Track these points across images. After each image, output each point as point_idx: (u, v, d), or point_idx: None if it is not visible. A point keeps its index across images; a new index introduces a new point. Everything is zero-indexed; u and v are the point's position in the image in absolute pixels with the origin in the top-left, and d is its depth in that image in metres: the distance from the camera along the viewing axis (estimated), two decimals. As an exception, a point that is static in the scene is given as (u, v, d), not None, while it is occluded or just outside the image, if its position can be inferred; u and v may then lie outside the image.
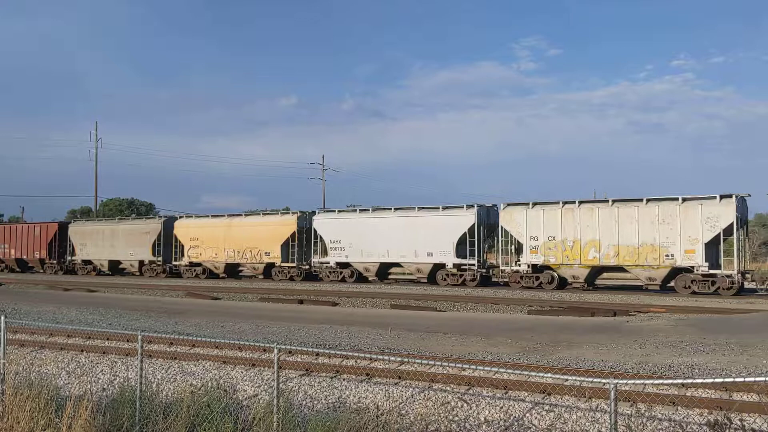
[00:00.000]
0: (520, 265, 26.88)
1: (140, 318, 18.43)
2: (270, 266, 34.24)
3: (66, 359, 11.71)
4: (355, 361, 10.31)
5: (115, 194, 76.65)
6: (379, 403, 7.97)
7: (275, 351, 6.64)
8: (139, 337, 7.51)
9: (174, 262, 37.81)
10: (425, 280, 29.61)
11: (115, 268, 40.86)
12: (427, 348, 12.53)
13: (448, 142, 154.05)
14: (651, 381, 8.01)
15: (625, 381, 7.14)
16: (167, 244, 38.03)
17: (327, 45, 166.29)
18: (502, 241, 27.73)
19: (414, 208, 30.14)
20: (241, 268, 37.63)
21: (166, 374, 10.32)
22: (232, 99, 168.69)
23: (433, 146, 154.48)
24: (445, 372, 9.37)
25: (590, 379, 5.62)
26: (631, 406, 7.76)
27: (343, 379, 9.65)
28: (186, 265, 36.90)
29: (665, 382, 6.40)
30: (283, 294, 26.27)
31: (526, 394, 8.48)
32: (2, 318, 8.41)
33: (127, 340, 12.51)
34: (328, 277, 31.74)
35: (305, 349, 8.32)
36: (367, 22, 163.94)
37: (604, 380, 5.27)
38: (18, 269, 45.54)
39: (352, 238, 31.02)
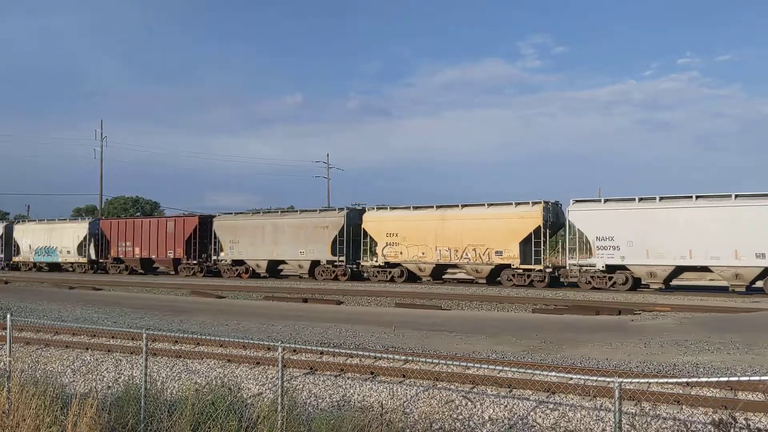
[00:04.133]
0: None
1: (145, 316, 18.48)
2: (500, 268, 27.85)
3: (71, 357, 11.75)
4: (360, 360, 10.32)
5: (120, 192, 76.83)
6: (384, 402, 7.98)
7: (279, 349, 6.65)
8: (144, 335, 7.53)
9: (363, 262, 31.48)
10: (742, 289, 23.15)
11: (274, 269, 34.99)
12: (432, 346, 12.54)
13: (454, 140, 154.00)
14: (655, 380, 7.99)
15: (629, 380, 7.14)
16: (352, 240, 31.76)
17: (332, 43, 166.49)
18: None
19: (730, 196, 23.41)
20: (449, 270, 31.60)
21: (171, 372, 10.35)
22: (237, 97, 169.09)
23: (439, 144, 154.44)
24: (449, 370, 9.36)
25: (595, 378, 5.60)
26: (635, 405, 7.74)
27: (348, 378, 9.65)
28: (378, 267, 30.54)
29: (670, 381, 6.36)
30: (288, 293, 26.31)
31: (531, 392, 8.47)
32: (8, 316, 8.45)
33: (132, 339, 12.55)
34: (590, 283, 25.34)
35: (309, 347, 8.35)
36: (373, 20, 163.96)
37: (608, 379, 5.26)
38: (141, 271, 39.59)
39: (632, 234, 24.48)
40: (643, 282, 25.25)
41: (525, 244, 27.08)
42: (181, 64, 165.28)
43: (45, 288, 31.27)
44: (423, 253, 29.40)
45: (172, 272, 38.01)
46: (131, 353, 11.66)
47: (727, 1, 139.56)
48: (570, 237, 26.45)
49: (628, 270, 24.89)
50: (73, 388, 9.14)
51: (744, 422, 6.46)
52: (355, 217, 31.94)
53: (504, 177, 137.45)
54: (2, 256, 45.78)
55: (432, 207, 30.04)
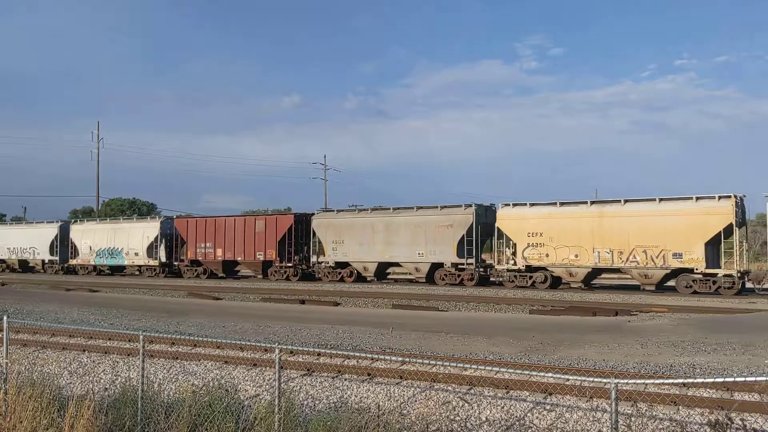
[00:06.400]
0: None
1: (142, 318, 18.46)
2: (676, 273, 24.05)
3: (68, 359, 11.74)
4: (357, 361, 10.33)
5: (117, 194, 76.70)
6: (381, 403, 7.99)
7: (277, 351, 6.66)
8: (141, 336, 7.53)
9: (498, 266, 27.67)
10: None
11: (382, 272, 31.35)
12: (429, 348, 12.54)
13: (452, 142, 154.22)
14: (652, 381, 8.01)
15: (626, 381, 7.15)
16: (480, 241, 28.42)
17: (330, 43, 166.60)
18: None
19: None
20: (603, 275, 27.75)
21: (168, 374, 10.34)
22: (235, 98, 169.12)
23: (436, 145, 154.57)
24: (446, 372, 9.37)
25: (591, 379, 5.62)
26: (632, 406, 7.76)
27: (345, 379, 9.66)
28: (514, 270, 26.95)
29: (666, 381, 6.40)
30: (285, 294, 26.29)
31: (528, 393, 8.49)
32: (5, 318, 8.44)
33: (129, 340, 12.54)
34: None
35: (307, 349, 8.35)
36: (371, 20, 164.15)
37: (605, 380, 5.28)
38: (222, 274, 35.69)
39: None
40: None
41: (712, 245, 23.53)
42: (179, 64, 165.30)
43: (42, 290, 31.21)
44: (576, 255, 25.54)
45: (260, 276, 34.31)
46: (128, 355, 11.66)
47: (725, 2, 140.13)
48: None
49: None
50: (70, 390, 9.12)
51: (740, 423, 6.48)
52: (482, 214, 28.68)
53: (502, 178, 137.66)
54: (57, 258, 42.42)
55: (585, 203, 26.13)
